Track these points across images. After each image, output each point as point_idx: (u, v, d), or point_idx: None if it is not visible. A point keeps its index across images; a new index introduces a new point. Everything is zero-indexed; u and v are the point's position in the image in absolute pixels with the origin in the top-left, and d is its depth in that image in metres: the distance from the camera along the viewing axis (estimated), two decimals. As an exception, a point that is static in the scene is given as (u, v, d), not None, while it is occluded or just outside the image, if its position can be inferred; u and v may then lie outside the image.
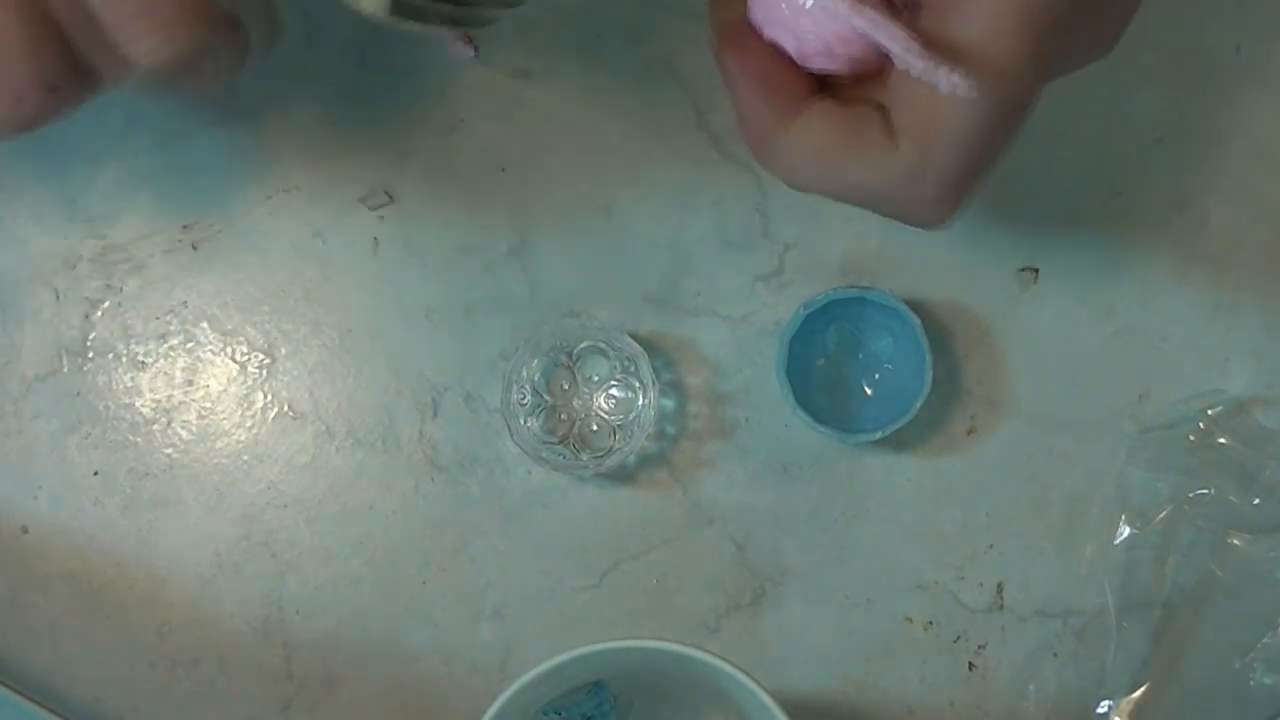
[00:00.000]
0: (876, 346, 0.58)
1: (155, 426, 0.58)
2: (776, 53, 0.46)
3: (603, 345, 0.58)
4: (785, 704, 0.49)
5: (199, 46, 0.45)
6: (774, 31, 0.46)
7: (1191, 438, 0.58)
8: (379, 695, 0.58)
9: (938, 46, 0.43)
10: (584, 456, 0.58)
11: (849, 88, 0.47)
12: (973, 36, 0.43)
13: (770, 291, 0.59)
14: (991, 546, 0.59)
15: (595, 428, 0.58)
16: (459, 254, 0.59)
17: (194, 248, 0.59)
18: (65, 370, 0.59)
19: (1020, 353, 0.59)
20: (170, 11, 0.44)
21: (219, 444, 0.59)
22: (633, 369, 0.58)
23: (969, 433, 0.59)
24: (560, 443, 0.58)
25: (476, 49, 0.59)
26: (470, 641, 0.58)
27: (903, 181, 0.45)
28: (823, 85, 0.47)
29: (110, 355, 0.59)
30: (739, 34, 0.47)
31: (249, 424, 0.59)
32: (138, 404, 0.58)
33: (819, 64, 0.46)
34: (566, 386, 0.58)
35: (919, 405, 0.56)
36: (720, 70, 0.47)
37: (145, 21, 0.44)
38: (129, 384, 0.59)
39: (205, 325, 0.59)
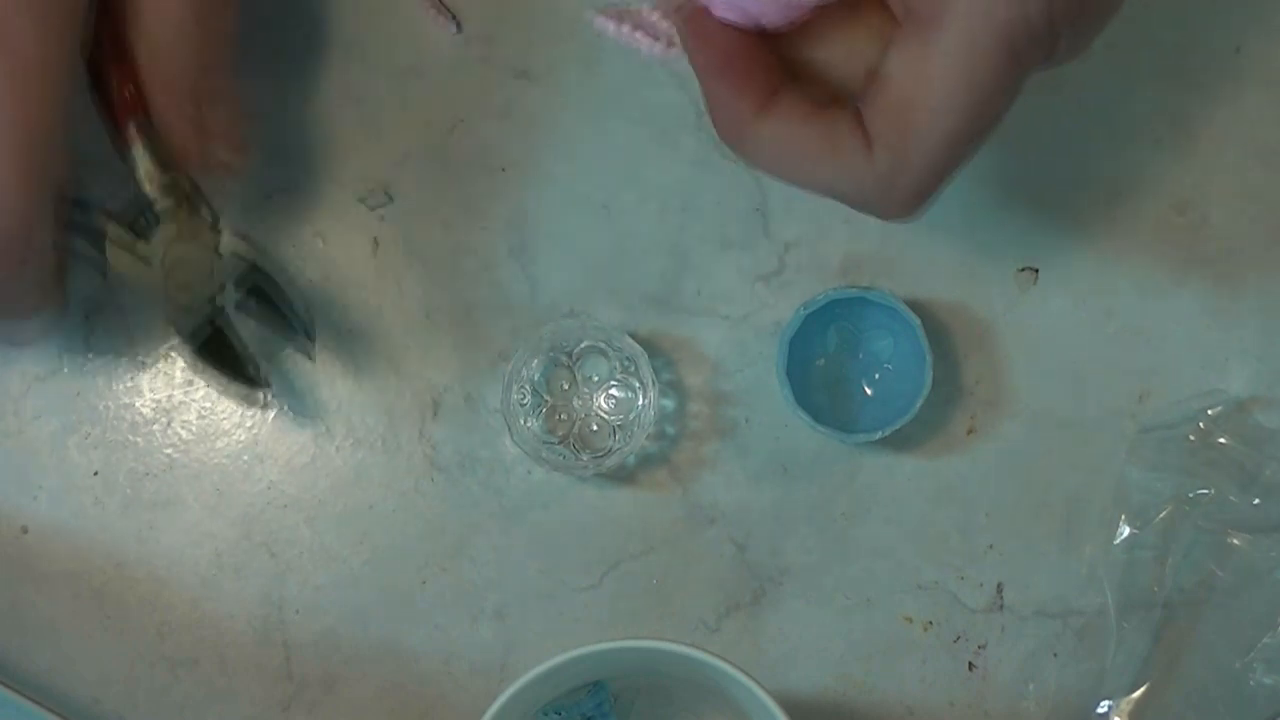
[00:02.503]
0: (876, 346, 0.58)
1: (155, 426, 0.58)
2: (740, 36, 0.46)
3: (603, 345, 0.58)
4: (785, 704, 0.49)
5: (23, 224, 0.47)
6: (720, 9, 0.46)
7: (1191, 438, 0.58)
8: (379, 695, 0.58)
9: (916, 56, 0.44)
10: (584, 456, 0.58)
11: (815, 72, 0.47)
12: (950, 49, 0.43)
13: (770, 291, 0.59)
14: (991, 546, 0.59)
15: (595, 428, 0.58)
16: (459, 254, 0.59)
17: (194, 248, 0.59)
18: (65, 370, 0.59)
19: (1020, 353, 0.59)
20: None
21: (219, 444, 0.59)
22: (633, 369, 0.58)
23: (969, 433, 0.59)
24: (560, 443, 0.58)
25: (459, 25, 0.59)
26: (470, 641, 0.58)
27: (876, 186, 0.46)
28: (790, 71, 0.47)
29: (110, 355, 0.59)
30: (699, 22, 0.47)
31: (249, 424, 0.59)
32: (138, 404, 0.58)
33: (772, 19, 0.46)
34: (566, 386, 0.58)
35: (919, 405, 0.56)
36: (691, 63, 0.47)
37: None
38: (129, 384, 0.59)
39: (205, 325, 0.59)
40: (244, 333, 0.54)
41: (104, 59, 0.51)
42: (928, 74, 0.44)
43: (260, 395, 0.55)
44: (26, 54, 0.47)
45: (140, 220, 0.52)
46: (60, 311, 0.53)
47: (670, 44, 0.49)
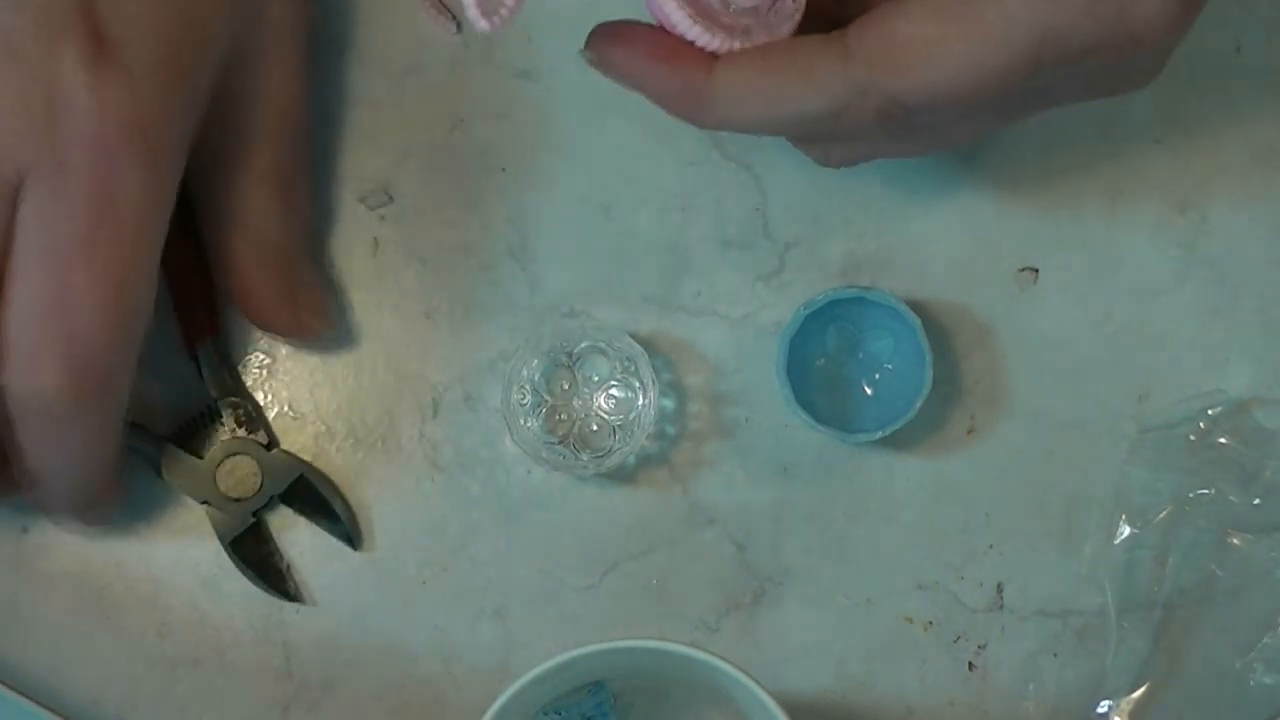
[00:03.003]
0: (876, 346, 0.58)
1: (156, 429, 0.58)
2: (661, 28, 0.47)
3: (603, 345, 0.58)
4: (785, 704, 0.49)
5: (105, 368, 0.47)
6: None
7: (1191, 438, 0.58)
8: (379, 695, 0.58)
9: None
10: (584, 456, 0.58)
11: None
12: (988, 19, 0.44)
13: (770, 291, 0.59)
14: (991, 546, 0.59)
15: (595, 428, 0.58)
16: (458, 254, 0.59)
17: (194, 248, 0.59)
18: (65, 370, 0.58)
19: (1020, 353, 0.59)
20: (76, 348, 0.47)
21: (219, 444, 0.59)
22: (633, 369, 0.58)
23: (969, 433, 0.59)
24: (560, 443, 0.58)
25: (459, 25, 0.59)
26: (470, 642, 0.58)
27: (849, 94, 0.45)
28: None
29: (110, 355, 0.59)
30: (614, 31, 0.47)
31: (249, 424, 0.59)
32: (138, 404, 0.58)
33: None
34: (566, 386, 0.58)
35: (919, 405, 0.56)
36: (611, 71, 0.47)
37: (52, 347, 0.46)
38: (129, 384, 0.59)
39: (205, 325, 0.59)
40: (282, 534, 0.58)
41: (177, 283, 0.56)
42: (948, 28, 0.44)
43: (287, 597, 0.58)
44: (129, 195, 0.46)
45: (196, 437, 0.57)
46: (119, 503, 0.56)
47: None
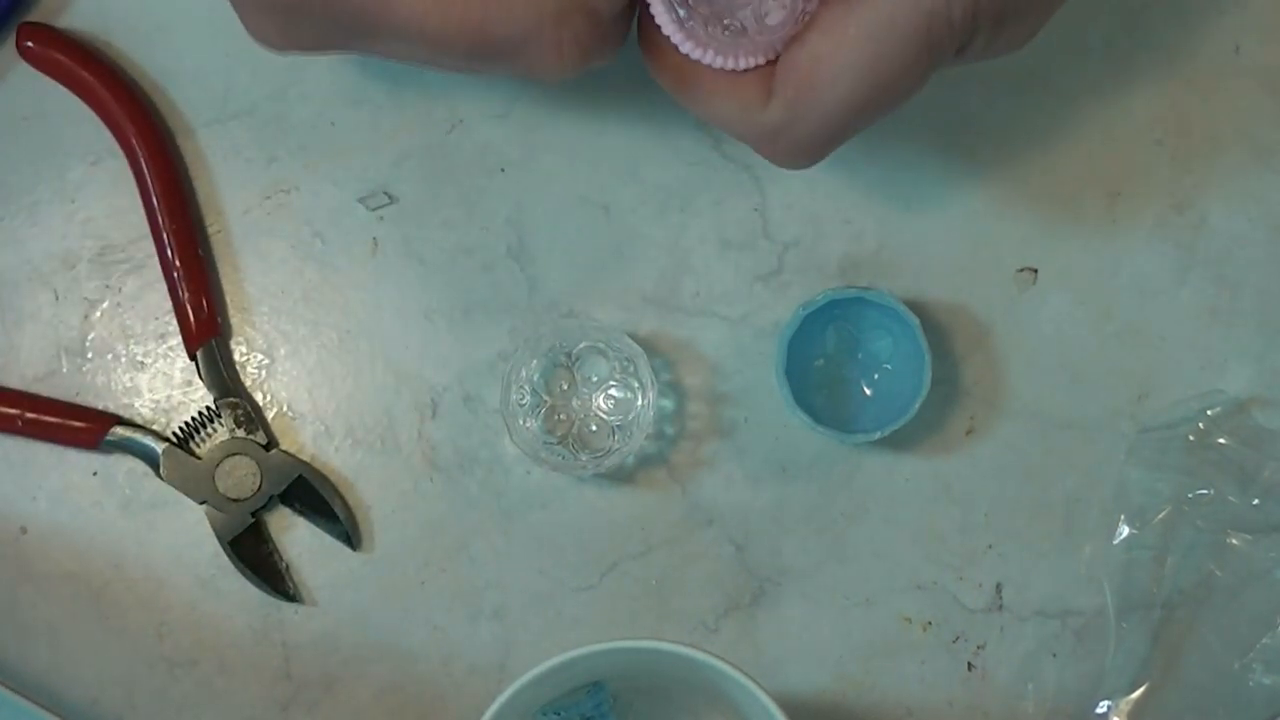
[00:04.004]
0: (875, 347, 0.58)
1: (154, 427, 0.58)
2: None
3: (602, 345, 0.58)
4: (784, 704, 0.49)
5: None
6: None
7: (1191, 438, 0.58)
8: (378, 695, 0.58)
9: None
10: (583, 457, 0.58)
11: None
12: (868, 21, 0.45)
13: (769, 292, 0.59)
14: (990, 547, 0.59)
15: (594, 428, 0.58)
16: (458, 254, 0.59)
17: (193, 248, 0.59)
18: (64, 370, 0.59)
19: (1020, 353, 0.59)
20: None
21: (218, 444, 0.59)
22: (632, 369, 0.58)
23: (968, 433, 0.59)
24: (559, 443, 0.58)
25: None
26: (469, 642, 0.58)
27: (764, 135, 0.47)
28: None
29: (109, 355, 0.59)
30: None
31: (248, 424, 0.59)
32: (137, 404, 0.58)
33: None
34: (565, 387, 0.58)
35: (918, 405, 0.56)
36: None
37: None
38: (128, 384, 0.59)
39: (204, 325, 0.59)
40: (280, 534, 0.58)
41: (177, 283, 0.57)
42: (839, 40, 0.45)
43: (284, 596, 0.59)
44: None
45: (195, 438, 0.58)
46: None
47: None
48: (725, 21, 0.47)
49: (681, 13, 0.47)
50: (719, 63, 0.47)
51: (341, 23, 0.47)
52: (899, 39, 0.45)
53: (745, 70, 0.47)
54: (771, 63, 0.47)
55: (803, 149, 0.48)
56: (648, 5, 0.47)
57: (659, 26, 0.47)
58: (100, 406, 0.58)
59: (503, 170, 0.59)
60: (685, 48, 0.47)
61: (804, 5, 0.46)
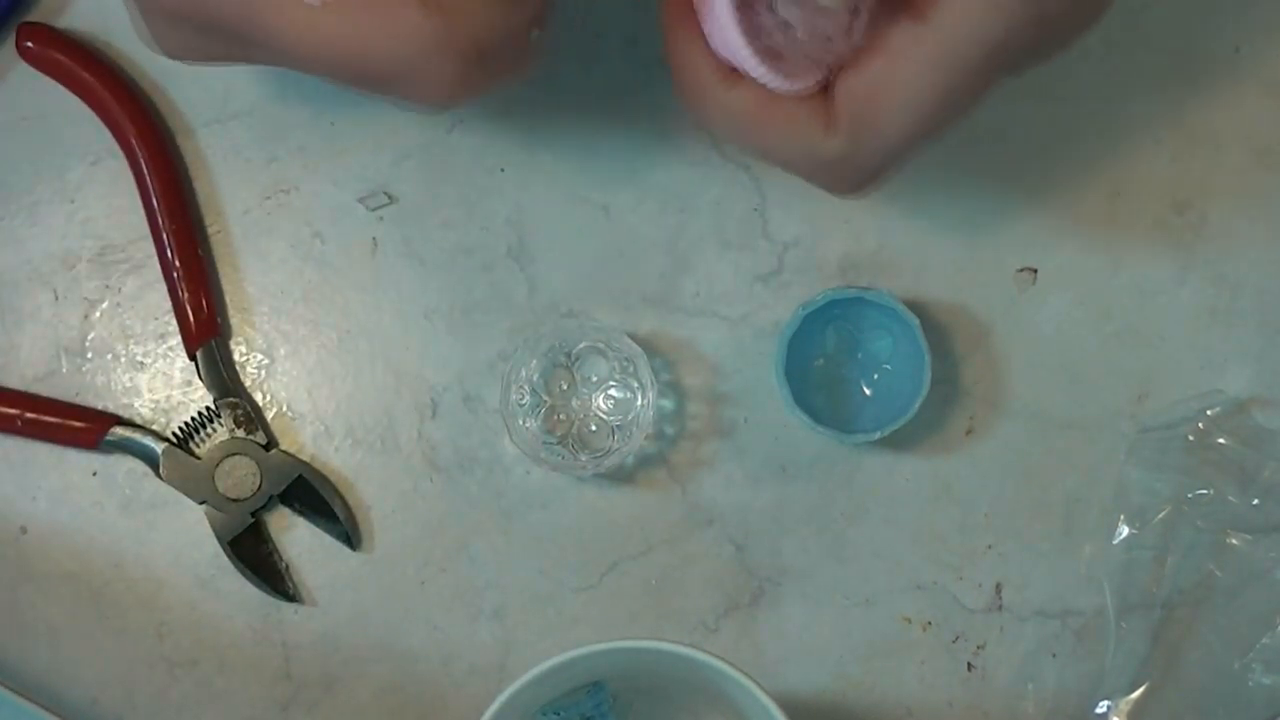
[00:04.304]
0: (875, 347, 0.58)
1: (154, 427, 0.58)
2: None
3: (601, 346, 0.58)
4: (784, 704, 0.49)
5: None
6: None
7: (1191, 438, 0.58)
8: (378, 695, 0.58)
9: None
10: (583, 457, 0.58)
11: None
12: (934, 52, 0.44)
13: (769, 292, 0.59)
14: (990, 547, 0.59)
15: (594, 428, 0.58)
16: (458, 254, 0.59)
17: (193, 248, 0.59)
18: (64, 370, 0.59)
19: (1020, 353, 0.59)
20: None
21: (218, 444, 0.59)
22: (631, 369, 0.58)
23: (968, 433, 0.59)
24: (559, 443, 0.58)
25: None
26: (469, 642, 0.58)
27: (828, 167, 0.46)
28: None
29: (109, 355, 0.59)
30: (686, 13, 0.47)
31: (248, 424, 0.59)
32: (137, 404, 0.58)
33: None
34: (565, 387, 0.58)
35: (918, 405, 0.56)
36: (666, 35, 0.47)
37: None
38: (128, 384, 0.59)
39: (204, 325, 0.59)
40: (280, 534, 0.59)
41: (177, 284, 0.57)
42: (906, 69, 0.44)
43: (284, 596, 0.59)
44: None
45: (195, 438, 0.58)
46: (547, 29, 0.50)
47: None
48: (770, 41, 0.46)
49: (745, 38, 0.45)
50: (783, 86, 0.45)
51: (226, 35, 0.46)
52: (964, 68, 0.44)
53: (800, 92, 0.46)
54: (823, 87, 0.46)
55: (863, 177, 0.47)
56: (681, 43, 0.46)
57: (730, 58, 0.45)
58: (100, 406, 0.58)
59: (503, 170, 0.59)
60: (758, 72, 0.45)
61: (852, 20, 0.45)
